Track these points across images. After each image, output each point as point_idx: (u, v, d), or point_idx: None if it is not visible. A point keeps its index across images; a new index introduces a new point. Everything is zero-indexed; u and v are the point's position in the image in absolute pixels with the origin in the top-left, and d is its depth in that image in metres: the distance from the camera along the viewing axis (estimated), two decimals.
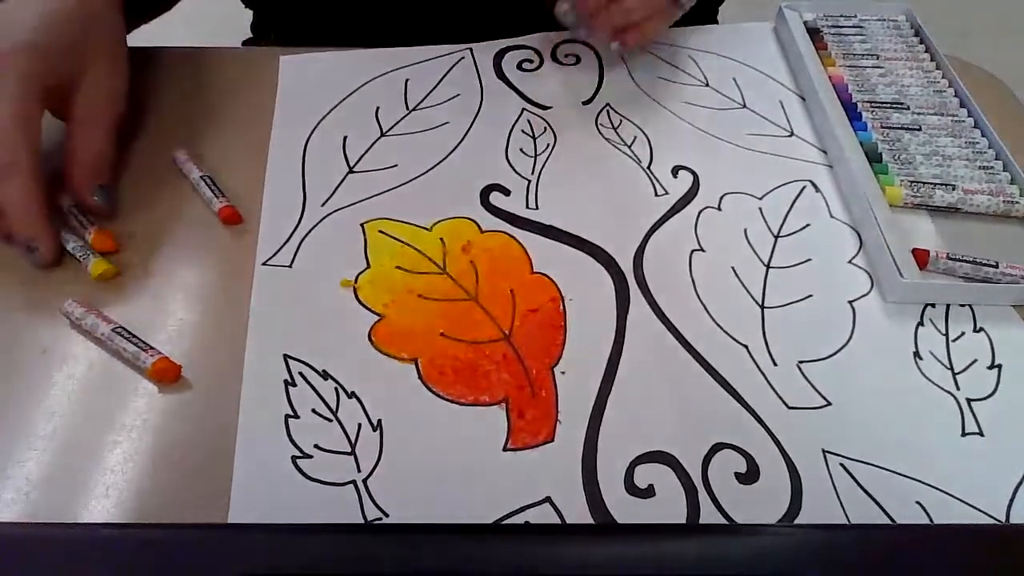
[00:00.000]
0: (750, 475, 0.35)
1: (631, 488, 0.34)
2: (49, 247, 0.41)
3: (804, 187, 0.48)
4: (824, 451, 0.36)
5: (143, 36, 0.53)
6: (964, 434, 0.37)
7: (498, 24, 0.57)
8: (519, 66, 0.54)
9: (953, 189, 0.46)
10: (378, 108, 0.51)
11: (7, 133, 0.39)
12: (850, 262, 0.44)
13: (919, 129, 0.50)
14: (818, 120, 0.51)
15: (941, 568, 0.31)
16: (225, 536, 0.31)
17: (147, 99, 0.51)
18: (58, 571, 0.29)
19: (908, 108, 0.51)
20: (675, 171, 0.48)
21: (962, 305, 0.42)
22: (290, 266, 0.42)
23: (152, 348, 0.38)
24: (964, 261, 0.43)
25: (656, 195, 0.46)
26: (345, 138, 0.49)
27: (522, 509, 0.34)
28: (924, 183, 0.46)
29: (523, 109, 0.51)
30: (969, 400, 0.38)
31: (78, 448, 0.35)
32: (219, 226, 0.44)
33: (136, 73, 0.51)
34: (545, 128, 0.50)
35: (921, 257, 0.43)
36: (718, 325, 0.40)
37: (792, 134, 0.51)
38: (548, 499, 0.34)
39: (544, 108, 0.51)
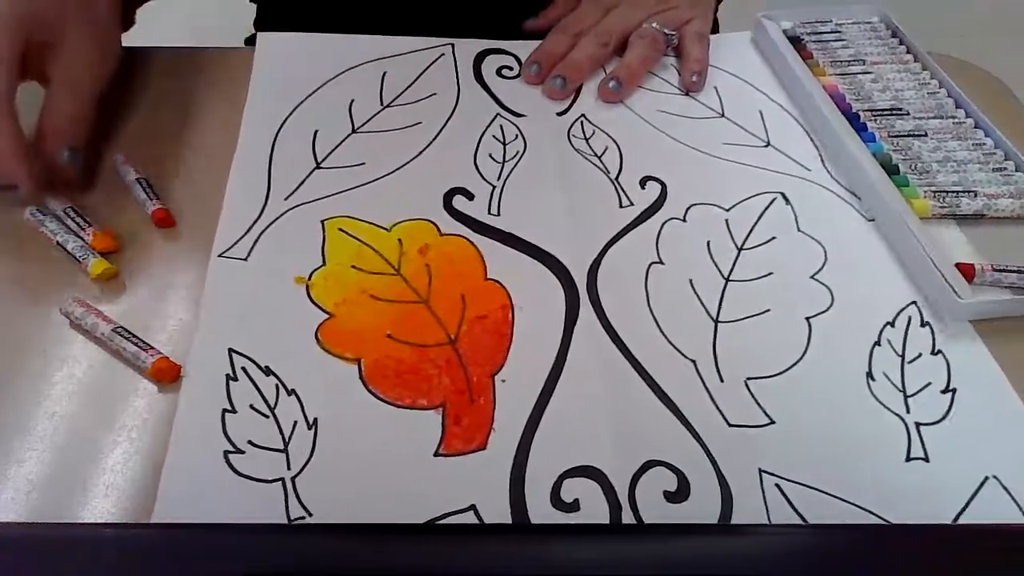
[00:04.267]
0: (680, 493, 0.34)
1: (556, 502, 0.34)
2: (28, 186, 0.43)
3: (774, 199, 0.47)
4: (760, 470, 0.35)
5: (145, 37, 0.54)
6: (909, 459, 0.36)
7: (488, 23, 0.56)
8: (498, 72, 0.54)
9: (976, 196, 0.45)
10: (352, 101, 0.51)
11: None
12: (813, 277, 0.43)
13: (925, 135, 0.48)
14: (823, 135, 0.49)
15: (941, 568, 0.31)
16: (225, 536, 0.31)
17: (149, 99, 0.51)
18: (58, 571, 0.30)
19: (908, 113, 0.50)
20: (643, 182, 0.47)
21: (923, 325, 0.41)
22: (246, 259, 0.42)
23: (152, 348, 0.38)
24: (1009, 271, 0.41)
25: (621, 206, 0.46)
26: (316, 132, 0.49)
27: (445, 515, 0.34)
28: (948, 192, 0.45)
29: (497, 114, 0.51)
30: (918, 424, 0.37)
31: (78, 448, 0.35)
32: None
33: (137, 73, 0.52)
34: (517, 135, 0.50)
35: (967, 272, 0.41)
36: (667, 339, 0.40)
37: (768, 144, 0.50)
38: (472, 507, 0.34)
39: (518, 116, 0.51)
